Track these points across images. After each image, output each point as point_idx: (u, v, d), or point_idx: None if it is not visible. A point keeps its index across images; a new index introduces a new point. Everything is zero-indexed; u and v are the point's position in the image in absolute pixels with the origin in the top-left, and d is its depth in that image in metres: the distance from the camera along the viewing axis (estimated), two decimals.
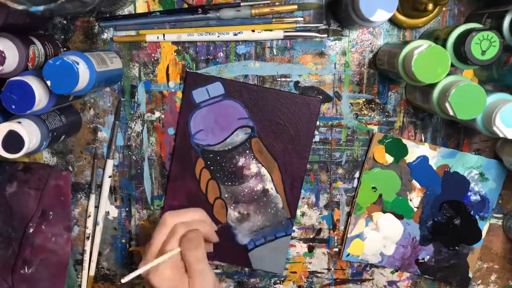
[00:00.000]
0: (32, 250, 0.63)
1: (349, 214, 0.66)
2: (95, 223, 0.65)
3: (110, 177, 0.64)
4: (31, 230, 0.62)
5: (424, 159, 0.64)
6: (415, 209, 0.65)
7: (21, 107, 0.49)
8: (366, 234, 0.65)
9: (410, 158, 0.64)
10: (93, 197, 0.65)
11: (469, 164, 0.64)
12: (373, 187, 0.64)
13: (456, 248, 0.66)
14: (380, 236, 0.65)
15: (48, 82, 0.48)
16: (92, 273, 0.66)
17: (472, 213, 0.65)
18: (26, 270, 0.63)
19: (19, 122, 0.50)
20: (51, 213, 0.63)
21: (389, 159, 0.64)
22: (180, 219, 0.54)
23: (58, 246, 0.64)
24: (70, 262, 0.66)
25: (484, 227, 0.66)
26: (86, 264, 0.66)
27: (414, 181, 0.64)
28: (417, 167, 0.64)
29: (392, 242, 0.66)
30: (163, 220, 0.53)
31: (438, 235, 0.66)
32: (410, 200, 0.65)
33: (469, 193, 0.65)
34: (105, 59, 0.56)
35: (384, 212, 0.65)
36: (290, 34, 0.61)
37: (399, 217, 0.65)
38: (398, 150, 0.64)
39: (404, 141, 0.63)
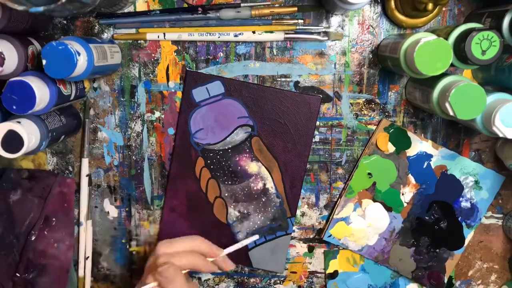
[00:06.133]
0: (34, 256, 0.63)
1: (340, 195, 0.66)
2: (79, 224, 0.65)
3: (87, 175, 0.64)
4: (33, 238, 0.62)
5: (424, 156, 0.64)
6: (405, 204, 0.65)
7: (22, 108, 0.49)
8: (352, 219, 0.65)
9: (411, 152, 0.64)
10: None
11: (467, 170, 0.64)
12: (369, 173, 0.64)
13: (437, 250, 0.66)
14: (365, 224, 0.65)
15: (44, 61, 0.48)
16: (81, 274, 0.66)
17: (459, 219, 0.65)
18: (28, 276, 0.63)
19: (19, 122, 0.50)
20: (54, 219, 0.63)
21: (391, 148, 0.64)
22: (169, 249, 0.55)
23: (60, 251, 0.64)
24: (72, 267, 0.66)
25: (468, 236, 0.66)
26: (81, 265, 0.66)
27: (410, 176, 0.64)
28: (416, 162, 0.64)
29: (376, 232, 0.65)
30: (155, 250, 0.55)
31: (422, 234, 0.65)
32: (402, 194, 0.65)
33: (460, 199, 0.65)
34: (106, 54, 0.56)
35: (374, 201, 0.65)
36: (291, 36, 0.61)
37: (388, 209, 0.65)
38: (401, 141, 0.64)
39: (409, 133, 0.63)
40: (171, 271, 0.52)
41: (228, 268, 0.60)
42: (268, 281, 0.68)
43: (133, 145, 0.64)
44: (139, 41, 0.61)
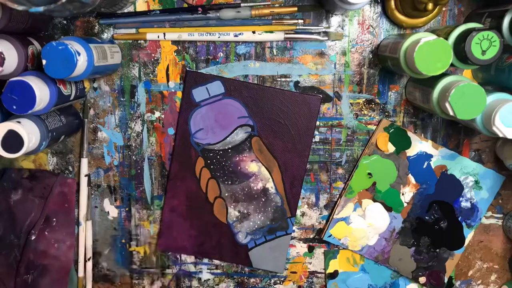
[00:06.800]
0: (35, 256, 0.63)
1: (340, 195, 0.66)
2: (78, 223, 0.65)
3: (86, 175, 0.64)
4: (33, 237, 0.62)
5: (424, 156, 0.64)
6: (405, 204, 0.65)
7: (22, 108, 0.49)
8: (352, 219, 0.65)
9: (411, 152, 0.64)
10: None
11: (467, 170, 0.64)
12: (369, 173, 0.64)
13: (437, 250, 0.66)
14: (365, 224, 0.65)
15: (44, 61, 0.48)
16: (81, 274, 0.66)
17: (459, 219, 0.65)
18: (28, 276, 0.63)
19: (19, 122, 0.50)
20: (54, 219, 0.63)
21: (391, 148, 0.64)
22: None
23: (60, 252, 0.64)
24: (72, 267, 0.66)
25: (469, 236, 0.66)
26: (81, 265, 0.66)
27: (410, 176, 0.64)
28: (416, 162, 0.64)
29: (376, 232, 0.65)
30: None
31: (422, 234, 0.65)
32: (402, 194, 0.65)
33: (460, 199, 0.65)
34: (106, 54, 0.56)
35: (374, 201, 0.65)
36: (291, 36, 0.61)
37: (388, 209, 0.65)
38: (401, 141, 0.64)
39: (409, 133, 0.63)
40: None
41: None
42: (268, 281, 0.68)
43: (133, 145, 0.64)
44: (139, 41, 0.61)
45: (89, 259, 0.66)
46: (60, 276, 0.64)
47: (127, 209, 0.66)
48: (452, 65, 0.51)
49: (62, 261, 0.64)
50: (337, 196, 0.66)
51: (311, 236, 0.67)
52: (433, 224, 0.65)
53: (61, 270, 0.64)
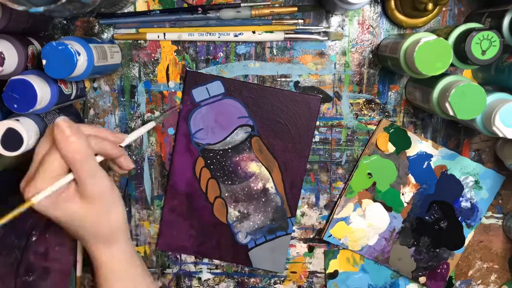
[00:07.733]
0: (35, 258, 0.63)
1: (340, 195, 0.66)
2: None
3: None
4: (34, 239, 0.62)
5: (424, 156, 0.64)
6: (405, 204, 0.65)
7: (23, 106, 0.49)
8: (352, 219, 0.65)
9: (411, 152, 0.64)
10: None
11: (467, 170, 0.64)
12: (369, 173, 0.64)
13: (437, 250, 0.66)
14: (365, 224, 0.65)
15: (44, 61, 0.48)
16: (79, 273, 0.66)
17: (459, 219, 0.65)
18: (28, 278, 0.62)
19: (18, 120, 0.50)
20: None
21: (391, 148, 0.64)
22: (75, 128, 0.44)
23: (61, 255, 0.64)
24: (72, 269, 0.66)
25: (468, 236, 0.66)
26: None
27: (410, 176, 0.64)
28: (416, 162, 0.64)
29: (376, 232, 0.65)
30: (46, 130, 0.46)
31: (422, 234, 0.65)
32: (402, 194, 0.65)
33: (460, 199, 0.65)
34: (106, 54, 0.56)
35: (374, 201, 0.65)
36: (291, 36, 0.61)
37: (388, 209, 0.65)
38: (401, 141, 0.64)
39: (409, 133, 0.63)
40: (78, 127, 0.44)
41: (130, 166, 0.52)
42: (268, 281, 0.68)
43: (133, 145, 0.64)
44: (139, 41, 0.61)
45: None
46: (61, 278, 0.64)
47: (127, 209, 0.65)
48: (452, 65, 0.51)
49: (63, 264, 0.64)
50: (337, 196, 0.66)
51: (311, 236, 0.67)
52: (433, 224, 0.65)
53: (62, 272, 0.64)
